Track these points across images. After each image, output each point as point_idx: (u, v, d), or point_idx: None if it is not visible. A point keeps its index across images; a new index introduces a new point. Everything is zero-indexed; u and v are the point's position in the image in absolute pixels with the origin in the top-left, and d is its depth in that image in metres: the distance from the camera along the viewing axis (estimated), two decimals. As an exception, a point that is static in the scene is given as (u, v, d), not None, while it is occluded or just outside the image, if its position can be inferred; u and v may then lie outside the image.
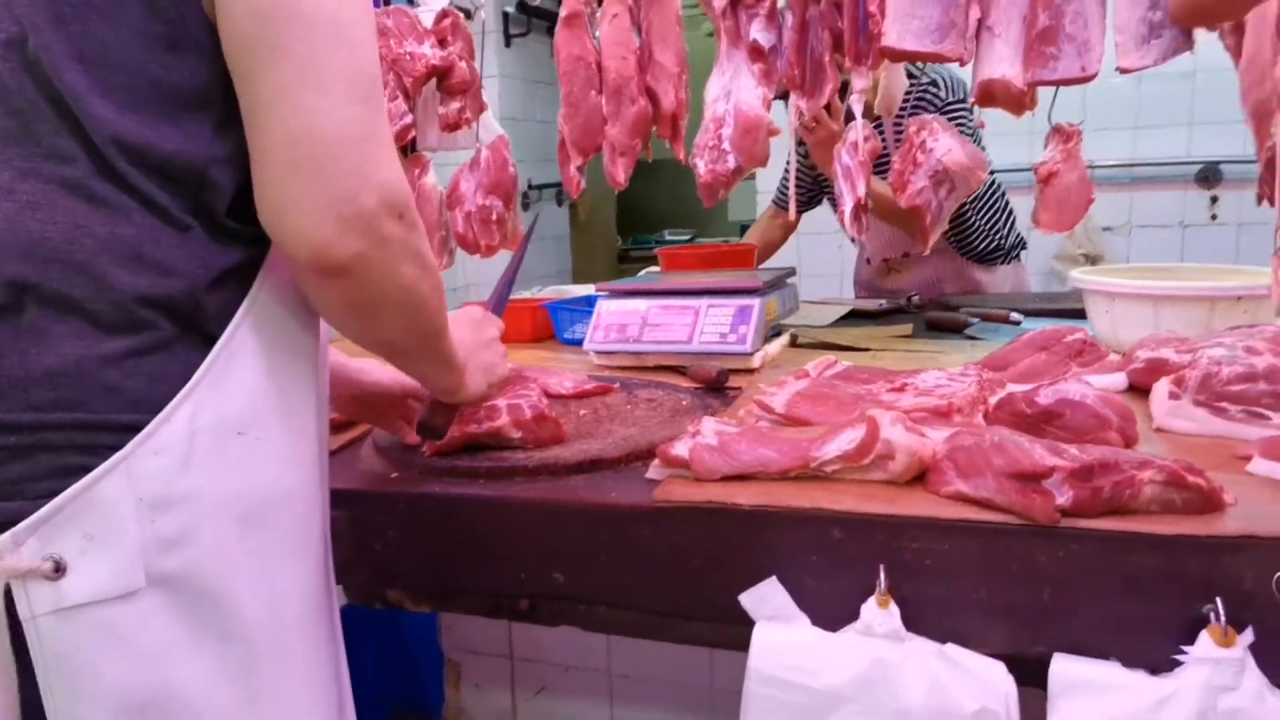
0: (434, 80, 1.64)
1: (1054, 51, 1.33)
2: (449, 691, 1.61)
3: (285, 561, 0.76)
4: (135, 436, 0.66)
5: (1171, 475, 0.85)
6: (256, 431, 0.73)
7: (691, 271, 1.93)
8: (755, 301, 1.53)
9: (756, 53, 1.48)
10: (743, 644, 0.97)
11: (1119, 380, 1.28)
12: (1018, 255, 2.50)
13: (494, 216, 1.70)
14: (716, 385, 1.42)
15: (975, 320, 1.86)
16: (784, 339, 1.71)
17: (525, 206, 4.45)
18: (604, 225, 5.77)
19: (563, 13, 1.55)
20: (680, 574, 0.99)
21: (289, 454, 0.77)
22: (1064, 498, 0.85)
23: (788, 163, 2.54)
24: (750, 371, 1.51)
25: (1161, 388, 1.14)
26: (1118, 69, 1.34)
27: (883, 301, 2.12)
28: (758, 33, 1.47)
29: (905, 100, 2.11)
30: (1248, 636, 0.79)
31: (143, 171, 0.68)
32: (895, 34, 1.37)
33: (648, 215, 6.32)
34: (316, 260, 0.69)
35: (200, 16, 0.69)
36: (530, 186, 4.28)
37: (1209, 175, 3.38)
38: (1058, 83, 1.36)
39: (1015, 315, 1.89)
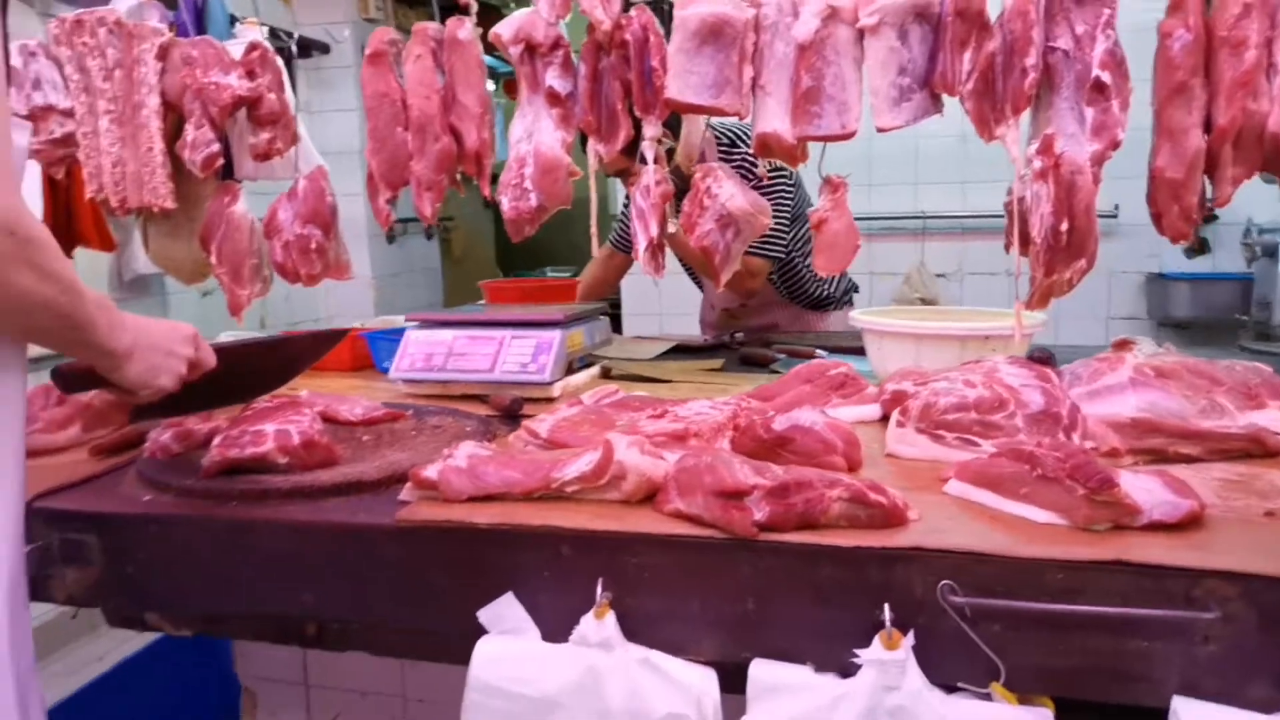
0: (244, 110, 1.66)
1: (817, 110, 1.44)
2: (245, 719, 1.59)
3: None
4: None
5: (856, 493, 0.94)
6: None
7: (510, 305, 1.98)
8: (556, 334, 1.59)
9: (554, 98, 1.55)
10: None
11: (873, 410, 1.39)
12: (849, 300, 2.65)
13: (313, 245, 1.71)
14: (511, 412, 1.47)
15: (781, 356, 1.96)
16: (595, 370, 1.77)
17: (391, 240, 4.44)
18: (482, 260, 5.80)
19: (367, 50, 1.60)
20: (426, 592, 1.02)
21: None
22: (761, 513, 0.93)
23: (625, 204, 2.64)
24: (550, 400, 1.56)
25: (895, 418, 1.24)
26: (876, 128, 1.46)
27: (707, 338, 2.21)
28: (553, 80, 1.54)
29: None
30: (910, 640, 0.88)
31: None
32: (676, 88, 1.46)
33: (533, 252, 6.38)
34: None
35: None
36: (397, 220, 4.27)
37: (1030, 227, 3.64)
38: (823, 138, 1.46)
39: (820, 352, 2.00)
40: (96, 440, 1.32)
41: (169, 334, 1.06)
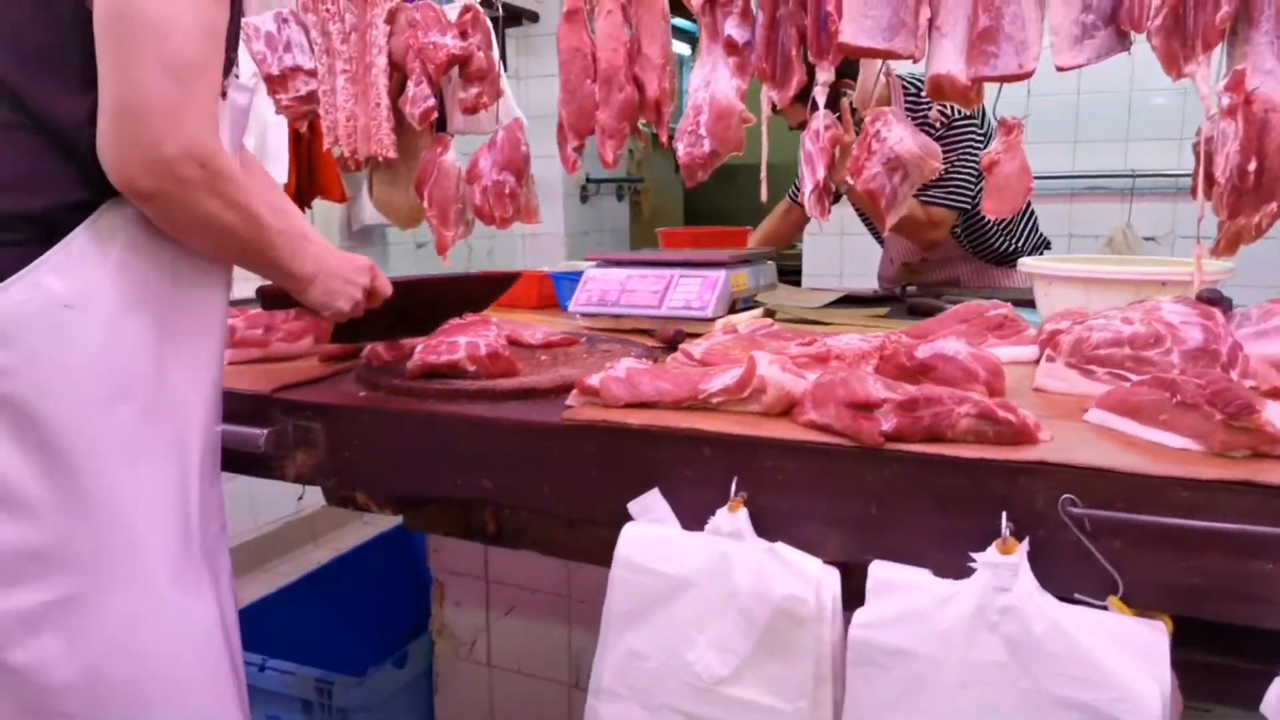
0: (456, 68, 1.85)
1: (994, 50, 1.44)
2: (435, 608, 1.82)
3: (105, 400, 0.98)
4: None
5: (984, 410, 0.98)
6: (83, 309, 0.96)
7: (682, 249, 2.09)
8: (721, 273, 1.69)
9: (731, 47, 1.63)
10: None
11: (1030, 351, 1.39)
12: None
13: (507, 190, 1.89)
14: (674, 343, 1.58)
15: (949, 306, 1.96)
16: (757, 312, 1.85)
17: (584, 200, 4.67)
18: (670, 222, 5.98)
19: (564, 8, 1.74)
20: (584, 484, 1.16)
21: (120, 328, 0.99)
22: (889, 424, 0.99)
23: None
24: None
25: (1046, 353, 1.25)
26: (1056, 67, 1.44)
27: (876, 289, 2.23)
28: (732, 29, 1.62)
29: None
30: (1024, 546, 0.91)
31: (20, 115, 0.95)
32: (850, 32, 1.50)
33: (718, 213, 6.51)
34: (125, 188, 0.95)
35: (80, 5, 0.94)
36: (589, 180, 4.48)
37: (1260, 187, 3.34)
38: (998, 79, 1.46)
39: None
40: (325, 350, 1.55)
41: (347, 263, 1.23)
